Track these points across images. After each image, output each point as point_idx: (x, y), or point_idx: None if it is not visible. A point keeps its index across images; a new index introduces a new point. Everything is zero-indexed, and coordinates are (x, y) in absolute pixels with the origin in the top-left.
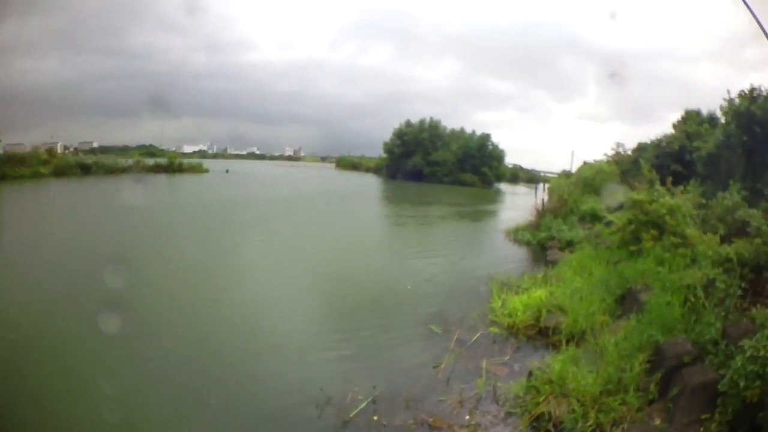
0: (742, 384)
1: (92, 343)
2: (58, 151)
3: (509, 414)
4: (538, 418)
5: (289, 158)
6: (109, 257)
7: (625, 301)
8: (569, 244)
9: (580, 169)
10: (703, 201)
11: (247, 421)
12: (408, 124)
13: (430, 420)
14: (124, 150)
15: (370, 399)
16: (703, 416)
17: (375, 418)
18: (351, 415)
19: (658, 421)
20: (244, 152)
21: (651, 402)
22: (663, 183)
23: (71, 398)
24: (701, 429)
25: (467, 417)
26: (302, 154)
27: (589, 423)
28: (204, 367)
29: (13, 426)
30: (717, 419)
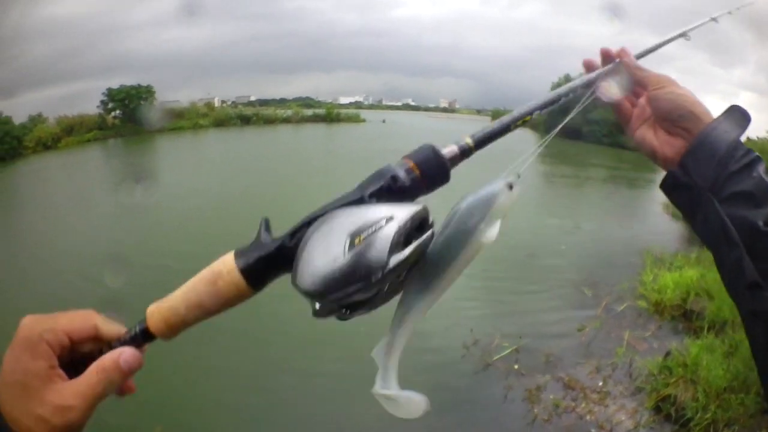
0: None
1: None
2: (216, 105)
3: (639, 389)
4: (664, 399)
5: (444, 110)
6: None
7: None
8: None
9: None
10: None
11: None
12: (566, 78)
13: (566, 379)
14: (281, 102)
15: (513, 348)
16: None
17: (515, 367)
18: (493, 359)
19: None
20: (399, 103)
21: (766, 411)
22: None
23: None
24: None
25: (600, 383)
26: (457, 106)
27: (707, 416)
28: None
29: None
30: None
